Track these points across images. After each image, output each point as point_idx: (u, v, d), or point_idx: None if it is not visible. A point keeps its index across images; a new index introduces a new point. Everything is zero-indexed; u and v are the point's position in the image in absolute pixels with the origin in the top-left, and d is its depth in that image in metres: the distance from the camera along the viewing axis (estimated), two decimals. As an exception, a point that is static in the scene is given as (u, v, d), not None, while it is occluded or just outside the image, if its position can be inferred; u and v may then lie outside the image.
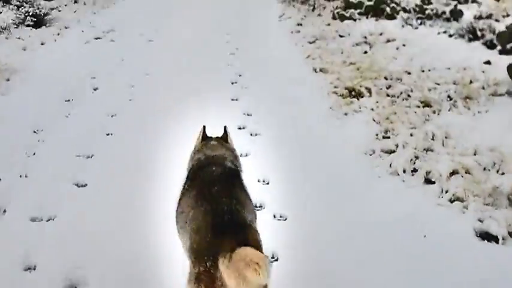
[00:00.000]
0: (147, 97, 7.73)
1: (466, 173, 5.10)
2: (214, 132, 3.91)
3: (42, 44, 10.77)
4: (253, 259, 2.43)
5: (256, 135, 6.49)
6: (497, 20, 11.07)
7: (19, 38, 10.97)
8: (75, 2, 15.28)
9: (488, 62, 8.37)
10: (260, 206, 4.82)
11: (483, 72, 7.91)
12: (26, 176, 5.38)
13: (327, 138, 6.36)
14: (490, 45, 9.19)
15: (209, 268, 2.60)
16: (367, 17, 12.26)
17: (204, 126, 3.86)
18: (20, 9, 12.38)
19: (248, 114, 7.09)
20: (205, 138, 3.80)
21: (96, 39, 11.47)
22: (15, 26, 11.76)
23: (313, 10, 13.91)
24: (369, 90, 7.43)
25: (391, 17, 11.97)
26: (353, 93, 7.46)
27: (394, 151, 5.74)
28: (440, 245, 4.26)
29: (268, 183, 5.29)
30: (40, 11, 12.51)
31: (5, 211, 4.75)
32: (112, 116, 7.04)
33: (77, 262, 4.01)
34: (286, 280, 3.73)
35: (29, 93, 7.86)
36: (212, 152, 3.56)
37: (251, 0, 16.50)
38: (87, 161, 5.80)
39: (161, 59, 9.90)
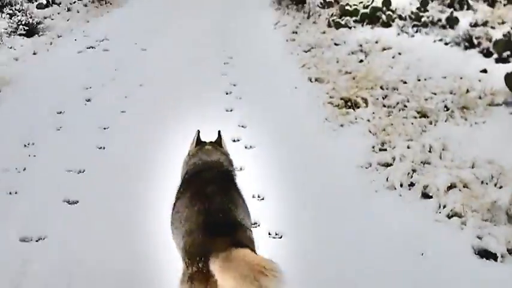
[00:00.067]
0: (141, 109, 7.62)
1: (463, 187, 5.03)
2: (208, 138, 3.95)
3: (34, 53, 10.65)
4: (266, 266, 2.44)
5: (251, 147, 6.41)
6: (492, 27, 11.00)
7: (11, 48, 10.85)
8: (68, 10, 15.12)
9: (484, 71, 8.30)
10: (255, 223, 4.72)
11: (480, 81, 7.83)
12: (16, 193, 5.26)
13: (323, 151, 6.27)
14: (487, 54, 9.12)
15: (202, 268, 2.61)
16: (362, 25, 12.17)
17: (198, 131, 3.91)
18: (13, 18, 12.25)
19: (243, 126, 7.00)
20: (199, 143, 3.85)
21: (89, 48, 11.33)
22: (7, 35, 11.63)
23: (308, 18, 13.83)
24: (365, 101, 7.35)
25: (387, 24, 11.88)
26: (349, 103, 7.38)
27: (390, 164, 5.66)
28: (439, 263, 4.18)
29: (263, 199, 5.20)
30: (33, 20, 12.39)
31: (-7, 230, 4.64)
32: (104, 129, 6.94)
33: (71, 285, 3.92)
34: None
35: (21, 105, 7.74)
36: (207, 157, 3.61)
37: (246, 8, 16.40)
38: (78, 176, 5.69)
39: (155, 68, 9.79)
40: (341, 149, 6.28)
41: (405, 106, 7.08)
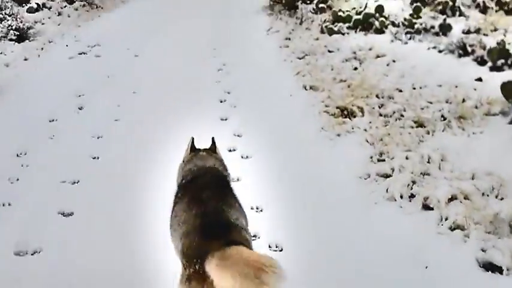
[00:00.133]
0: (134, 117, 7.53)
1: (464, 198, 4.97)
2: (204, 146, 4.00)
3: (25, 59, 10.55)
4: (265, 263, 2.50)
5: (247, 157, 6.34)
6: (485, 35, 11.01)
7: (1, 53, 10.75)
8: (59, 14, 15.00)
9: (479, 79, 8.28)
10: (254, 236, 4.65)
11: (475, 89, 7.80)
12: (9, 205, 5.17)
13: (321, 161, 6.21)
14: (481, 62, 9.10)
15: (198, 269, 2.66)
16: (355, 31, 12.12)
17: (193, 138, 3.98)
18: (3, 22, 12.12)
19: (238, 135, 6.94)
20: (193, 149, 3.92)
21: (81, 54, 11.23)
22: (-2, 40, 11.53)
23: (301, 23, 13.77)
24: (361, 110, 7.29)
25: (380, 31, 11.85)
26: (345, 112, 7.32)
27: (390, 175, 5.60)
28: (443, 277, 4.13)
29: (262, 211, 5.14)
30: (23, 25, 12.28)
31: (-13, 244, 4.55)
32: (98, 138, 6.85)
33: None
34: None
35: (12, 113, 7.66)
36: (202, 163, 3.68)
37: (237, 14, 16.33)
38: (72, 187, 5.61)
39: (148, 75, 9.72)
40: (339, 159, 6.22)
41: (402, 115, 7.03)
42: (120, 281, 4.05)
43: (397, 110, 7.18)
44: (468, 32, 11.22)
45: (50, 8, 15.04)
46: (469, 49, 9.55)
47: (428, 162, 5.75)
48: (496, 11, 13.72)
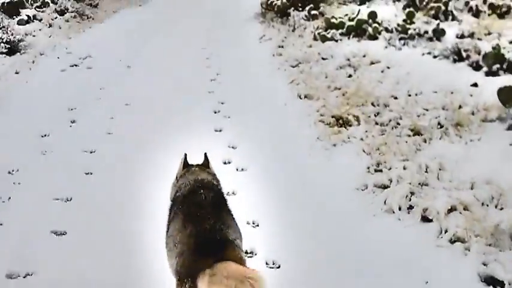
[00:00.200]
0: (127, 130, 7.43)
1: (464, 209, 4.89)
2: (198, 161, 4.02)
3: (16, 73, 10.41)
4: (247, 275, 2.65)
5: (242, 170, 6.25)
6: (479, 39, 10.98)
7: (-8, 67, 10.64)
8: (50, 26, 14.90)
9: (475, 85, 8.23)
10: (251, 252, 4.57)
11: (471, 95, 7.75)
12: (1, 225, 5.05)
13: (317, 173, 6.13)
14: (476, 67, 9.06)
15: (190, 287, 2.76)
16: (348, 38, 12.07)
17: (186, 155, 3.97)
18: (-6, 35, 12.03)
19: (233, 147, 6.85)
20: (186, 165, 3.92)
21: (73, 66, 11.11)
22: (-12, 54, 11.41)
23: (293, 31, 13.72)
24: (357, 118, 7.22)
25: (373, 37, 11.80)
26: (340, 121, 7.24)
27: (387, 186, 5.51)
28: (445, 292, 4.05)
29: (258, 226, 5.04)
30: (14, 37, 12.16)
31: (-22, 267, 4.43)
32: (91, 152, 6.74)
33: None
34: None
35: (3, 128, 7.53)
36: (198, 178, 3.66)
37: (229, 22, 16.30)
38: (66, 204, 5.49)
39: (140, 86, 9.62)
40: (335, 170, 6.14)
41: (398, 123, 6.96)
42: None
43: (393, 118, 7.11)
44: (462, 36, 11.20)
45: (40, 20, 14.92)
46: (464, 54, 9.52)
47: (426, 171, 5.68)
48: (489, 15, 13.72)
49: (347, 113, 7.34)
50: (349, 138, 6.78)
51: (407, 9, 13.46)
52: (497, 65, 8.70)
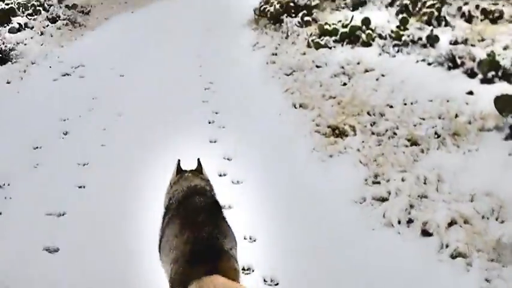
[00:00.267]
0: (121, 141, 7.33)
1: (464, 222, 4.82)
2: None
3: (8, 82, 10.29)
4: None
5: (238, 182, 6.16)
6: (473, 45, 10.94)
7: (-17, 77, 10.51)
8: (42, 34, 14.78)
9: (470, 93, 8.16)
10: (248, 269, 4.49)
11: (467, 104, 7.68)
12: (-8, 242, 4.96)
13: (314, 184, 6.04)
14: (471, 74, 8.99)
15: None
16: (342, 45, 11.98)
17: (179, 160, 3.99)
18: (-16, 44, 11.91)
19: (228, 159, 6.75)
20: (180, 171, 3.91)
21: (65, 75, 11.00)
22: (-21, 63, 11.29)
23: (286, 38, 13.65)
24: (353, 128, 7.14)
25: (367, 44, 11.72)
26: (336, 131, 7.17)
27: (386, 199, 5.44)
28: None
29: (255, 241, 4.95)
30: (5, 46, 12.03)
31: (-32, 288, 4.33)
32: (84, 165, 6.64)
33: None
34: None
35: (-6, 140, 7.43)
36: (192, 184, 3.66)
37: (222, 28, 16.22)
38: (58, 220, 5.38)
39: (133, 96, 9.53)
40: (332, 182, 6.05)
41: (395, 133, 6.88)
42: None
43: (389, 127, 7.04)
44: (455, 42, 11.14)
45: (32, 28, 14.82)
46: (459, 61, 9.44)
47: (425, 183, 5.60)
48: (482, 20, 13.71)
49: (343, 123, 7.26)
50: (345, 148, 6.70)
51: (401, 15, 13.43)
52: (493, 72, 8.63)
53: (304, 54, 11.71)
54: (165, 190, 3.88)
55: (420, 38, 11.46)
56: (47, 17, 15.98)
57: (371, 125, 7.25)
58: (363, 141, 6.78)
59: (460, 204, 5.08)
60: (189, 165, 4.02)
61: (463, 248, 4.45)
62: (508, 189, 5.22)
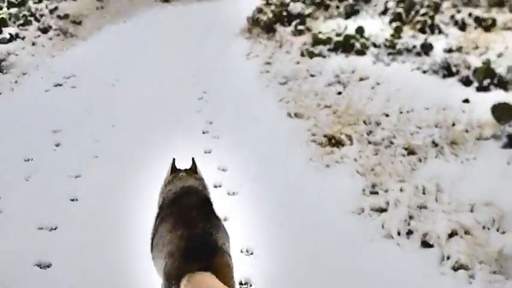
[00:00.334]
0: (114, 153, 7.21)
1: (465, 233, 4.74)
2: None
3: (-1, 93, 10.19)
4: None
5: (234, 194, 6.05)
6: (467, 53, 10.93)
7: (-27, 88, 10.39)
8: (33, 44, 14.65)
9: (467, 101, 8.13)
10: (246, 283, 4.39)
11: (464, 112, 7.64)
12: (-18, 258, 4.83)
13: (311, 195, 5.94)
14: (466, 82, 8.97)
15: None
16: (336, 53, 11.94)
17: (174, 159, 3.99)
18: (-25, 56, 11.79)
19: (223, 170, 6.65)
20: (174, 170, 3.93)
21: (57, 86, 10.85)
22: (-30, 74, 11.16)
23: (280, 47, 13.59)
24: (350, 138, 7.06)
25: (361, 52, 11.69)
26: (333, 141, 7.09)
27: (384, 209, 5.35)
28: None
29: (252, 254, 4.85)
30: (-4, 57, 11.94)
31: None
32: (76, 177, 6.51)
33: None
34: None
35: (-15, 152, 7.30)
36: (185, 183, 3.69)
37: (215, 38, 16.11)
38: (50, 234, 5.24)
39: (126, 106, 9.40)
40: (329, 192, 5.96)
41: (391, 143, 6.81)
42: None
43: (386, 136, 6.97)
44: (450, 50, 11.15)
45: (23, 38, 14.66)
46: (454, 69, 9.44)
47: (424, 193, 5.52)
48: (475, 28, 13.73)
49: (339, 132, 7.18)
50: (342, 158, 6.62)
51: (395, 24, 13.43)
52: (488, 80, 8.62)
53: (298, 63, 11.66)
54: (159, 189, 3.89)
55: (414, 46, 11.45)
56: (39, 27, 15.83)
57: (367, 134, 7.18)
58: (359, 151, 6.70)
59: (460, 215, 5.00)
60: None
61: (465, 260, 4.36)
62: (507, 199, 5.16)
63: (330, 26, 14.35)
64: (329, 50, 12.09)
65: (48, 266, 4.71)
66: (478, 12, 14.68)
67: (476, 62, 9.61)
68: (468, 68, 9.29)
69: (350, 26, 13.34)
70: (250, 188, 6.11)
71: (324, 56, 11.82)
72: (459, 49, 11.22)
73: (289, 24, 14.98)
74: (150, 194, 4.59)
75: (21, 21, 15.73)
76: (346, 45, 12.00)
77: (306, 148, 7.09)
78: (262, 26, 15.69)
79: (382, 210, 5.37)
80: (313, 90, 9.53)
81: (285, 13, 15.74)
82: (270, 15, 15.88)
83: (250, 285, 4.37)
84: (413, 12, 14.43)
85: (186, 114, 8.89)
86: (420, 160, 6.32)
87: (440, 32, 13.46)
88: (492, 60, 9.52)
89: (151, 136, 7.78)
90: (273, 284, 4.37)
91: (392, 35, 12.28)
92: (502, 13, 14.78)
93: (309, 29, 14.38)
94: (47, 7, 18.35)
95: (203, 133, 8.01)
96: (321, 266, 4.65)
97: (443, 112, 7.69)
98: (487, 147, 6.41)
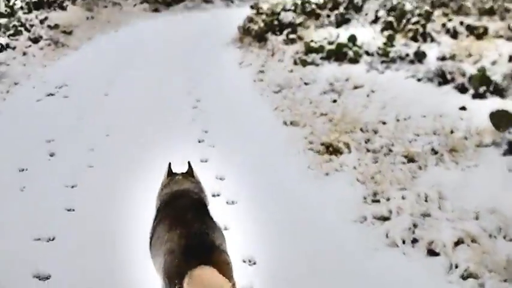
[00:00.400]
0: (109, 163, 7.12)
1: (471, 241, 4.68)
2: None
3: (-10, 104, 10.07)
4: (217, 282, 2.73)
5: (232, 203, 5.96)
6: (461, 61, 10.92)
7: (-36, 99, 10.26)
8: (24, 54, 14.53)
9: (463, 108, 8.09)
10: (247, 292, 4.31)
11: (461, 119, 7.60)
12: (-23, 271, 4.71)
13: (311, 204, 5.88)
14: (462, 89, 8.93)
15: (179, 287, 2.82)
16: (329, 62, 11.89)
17: (170, 163, 4.12)
18: (-35, 66, 11.67)
19: (221, 179, 6.56)
20: (171, 174, 4.04)
21: (49, 95, 10.75)
22: (-40, 84, 11.02)
23: (272, 55, 13.56)
24: (347, 146, 7.00)
25: (354, 60, 11.64)
26: (330, 149, 7.03)
27: (387, 218, 5.28)
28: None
29: (254, 263, 4.76)
30: (-13, 67, 11.83)
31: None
32: (72, 187, 6.41)
33: None
34: None
35: (-22, 163, 7.17)
36: (180, 186, 3.80)
37: (207, 47, 16.07)
38: (48, 245, 5.14)
39: (120, 116, 9.31)
40: (330, 201, 5.89)
41: (390, 150, 6.75)
42: None
43: (384, 144, 6.91)
44: (443, 58, 11.12)
45: (14, 48, 14.53)
46: (449, 77, 9.38)
47: (426, 201, 5.46)
48: (467, 36, 13.76)
49: (337, 140, 7.12)
50: (341, 166, 6.56)
51: (386, 32, 13.42)
52: (484, 87, 8.58)
53: (292, 71, 11.62)
54: (156, 193, 3.97)
55: (407, 54, 11.41)
56: (29, 37, 15.71)
57: (365, 142, 7.12)
58: (358, 159, 6.64)
59: (465, 223, 4.94)
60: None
61: (473, 268, 4.29)
62: (511, 206, 5.10)
63: (321, 34, 14.31)
64: (322, 58, 12.03)
65: (47, 277, 4.61)
66: (469, 20, 14.74)
67: (470, 69, 9.58)
68: (463, 75, 9.25)
69: (342, 35, 13.31)
70: (249, 196, 6.03)
71: (317, 65, 11.77)
72: (452, 57, 11.20)
73: (281, 33, 14.94)
74: (146, 204, 4.53)
75: (12, 32, 15.61)
76: (339, 54, 11.94)
77: (304, 156, 7.03)
78: (254, 35, 15.67)
79: (384, 218, 5.31)
80: (307, 98, 9.49)
81: (276, 22, 15.70)
82: (261, 24, 15.86)
83: (253, 295, 4.29)
84: (404, 21, 14.42)
85: (181, 123, 8.81)
86: (420, 168, 6.27)
87: (432, 40, 13.47)
88: (487, 67, 9.50)
89: (146, 145, 7.69)
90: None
91: (385, 43, 12.25)
92: (493, 21, 14.85)
93: (300, 38, 14.32)
94: (37, 17, 18.22)
95: (199, 142, 7.94)
96: (323, 275, 4.58)
97: (441, 119, 7.64)
98: (488, 155, 6.35)
